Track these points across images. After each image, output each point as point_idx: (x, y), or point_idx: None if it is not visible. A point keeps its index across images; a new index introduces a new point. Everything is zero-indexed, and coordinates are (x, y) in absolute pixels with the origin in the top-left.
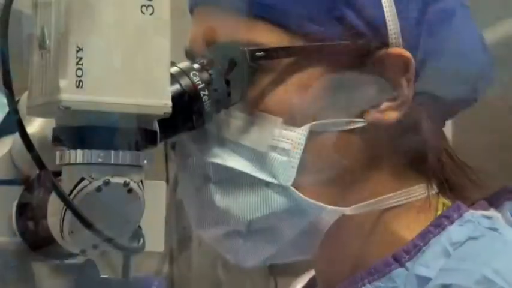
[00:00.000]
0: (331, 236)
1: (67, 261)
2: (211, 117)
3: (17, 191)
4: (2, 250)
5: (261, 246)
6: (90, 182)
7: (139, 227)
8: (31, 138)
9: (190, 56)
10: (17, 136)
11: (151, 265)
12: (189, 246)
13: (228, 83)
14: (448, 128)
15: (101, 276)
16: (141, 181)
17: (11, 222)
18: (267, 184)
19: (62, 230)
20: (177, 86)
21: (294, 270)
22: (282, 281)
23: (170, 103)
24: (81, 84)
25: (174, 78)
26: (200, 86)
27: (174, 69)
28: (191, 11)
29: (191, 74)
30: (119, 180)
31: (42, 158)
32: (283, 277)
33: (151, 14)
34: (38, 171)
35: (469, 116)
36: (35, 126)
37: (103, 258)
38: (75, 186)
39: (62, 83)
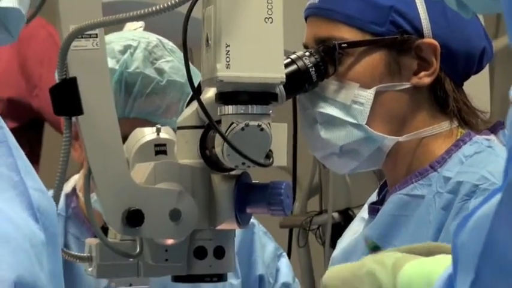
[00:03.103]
0: (391, 154)
1: (231, 173)
2: (317, 84)
3: (199, 132)
4: (193, 167)
5: (348, 161)
6: (237, 125)
7: (271, 150)
8: (206, 100)
9: (305, 47)
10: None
11: (307, 176)
12: None
13: (326, 63)
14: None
15: (253, 181)
16: (269, 123)
17: (197, 150)
18: (351, 124)
19: (223, 154)
20: (295, 66)
21: None
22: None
23: (284, 76)
24: (229, 66)
25: (293, 62)
26: (309, 66)
27: (293, 56)
28: (306, 20)
29: (303, 59)
30: (255, 123)
31: (211, 112)
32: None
33: (271, 23)
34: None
35: None
36: (210, 92)
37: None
38: (228, 127)
39: (218, 66)
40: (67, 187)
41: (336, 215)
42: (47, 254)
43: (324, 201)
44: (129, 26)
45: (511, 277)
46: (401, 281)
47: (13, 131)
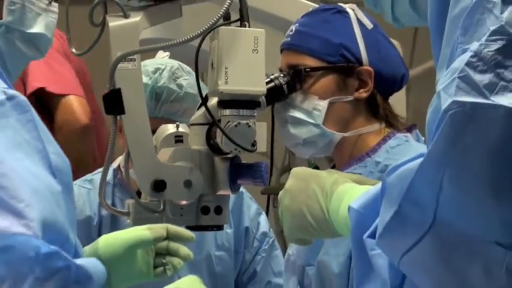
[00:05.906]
0: (338, 145)
1: (227, 156)
2: (288, 96)
3: (206, 127)
4: (200, 151)
5: (309, 149)
6: (232, 123)
7: (255, 141)
8: (211, 106)
9: (280, 70)
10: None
11: (281, 159)
12: None
13: (295, 82)
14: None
15: (242, 162)
16: (254, 122)
17: (204, 140)
18: (311, 124)
19: (221, 143)
20: (273, 84)
21: None
22: None
23: (265, 90)
24: (227, 82)
25: (272, 80)
26: (283, 83)
27: (272, 76)
28: (281, 51)
29: (279, 78)
30: (244, 122)
31: (214, 113)
32: None
33: (256, 53)
34: (212, 120)
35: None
36: (213, 100)
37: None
38: (226, 124)
39: (219, 82)
40: (115, 164)
41: None
42: (63, 199)
43: None
44: (159, 55)
45: (422, 212)
46: (338, 190)
47: None
